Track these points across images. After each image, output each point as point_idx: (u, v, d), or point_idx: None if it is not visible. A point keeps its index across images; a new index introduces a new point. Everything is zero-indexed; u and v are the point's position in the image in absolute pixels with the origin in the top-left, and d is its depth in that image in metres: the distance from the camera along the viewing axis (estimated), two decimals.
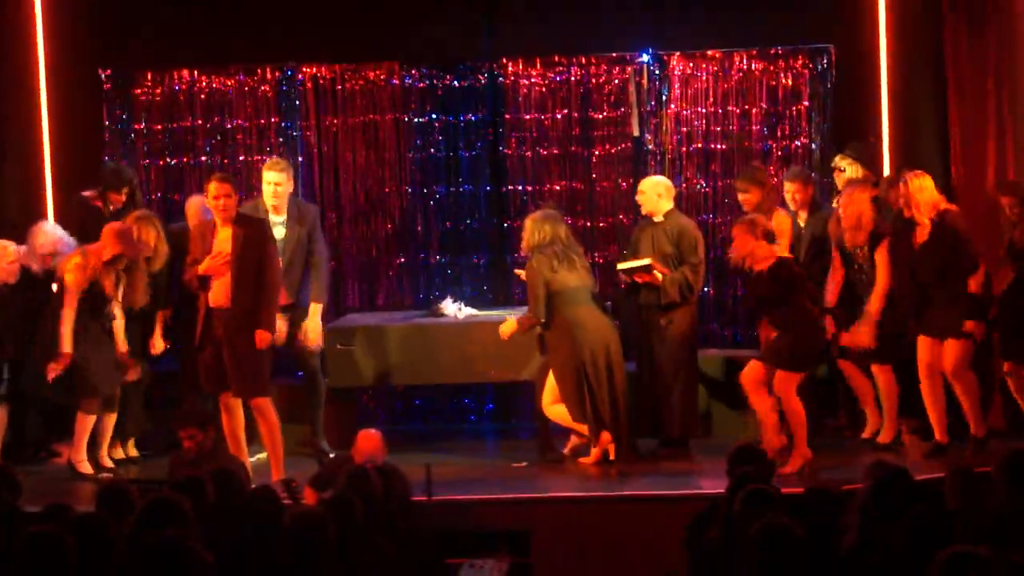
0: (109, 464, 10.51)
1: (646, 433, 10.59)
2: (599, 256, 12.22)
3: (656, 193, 10.58)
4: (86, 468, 10.33)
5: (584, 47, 12.16)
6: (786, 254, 10.03)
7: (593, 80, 12.26)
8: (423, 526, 8.15)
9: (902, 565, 6.10)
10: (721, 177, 12.09)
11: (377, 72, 12.30)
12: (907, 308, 10.05)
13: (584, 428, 10.27)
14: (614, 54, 12.17)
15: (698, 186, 12.15)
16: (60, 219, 11.21)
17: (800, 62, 12.03)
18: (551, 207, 10.81)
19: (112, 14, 11.94)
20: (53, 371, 10.07)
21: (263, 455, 10.11)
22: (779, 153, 11.93)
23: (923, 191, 9.89)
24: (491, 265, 12.36)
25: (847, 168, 10.78)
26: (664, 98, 12.11)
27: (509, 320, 10.44)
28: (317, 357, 10.77)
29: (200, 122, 12.30)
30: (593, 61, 12.23)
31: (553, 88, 12.27)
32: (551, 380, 10.34)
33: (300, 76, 12.27)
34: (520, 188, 12.29)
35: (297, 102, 12.27)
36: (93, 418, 10.33)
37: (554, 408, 10.37)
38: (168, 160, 12.26)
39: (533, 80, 12.27)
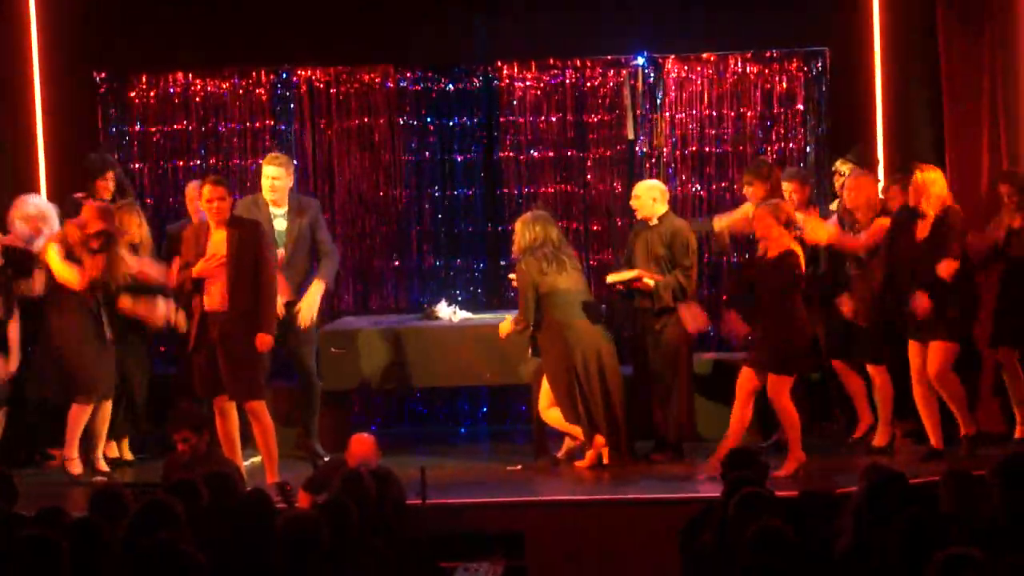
0: (104, 468, 10.48)
1: (641, 436, 10.59)
2: (594, 259, 12.23)
3: (651, 197, 10.58)
4: (76, 468, 10.28)
5: (579, 50, 12.16)
6: (797, 247, 9.97)
7: (588, 83, 12.26)
8: (417, 529, 8.15)
9: (897, 568, 6.09)
10: (716, 180, 12.09)
11: (372, 75, 12.30)
12: (904, 306, 10.05)
13: (579, 431, 10.27)
14: (609, 57, 12.17)
15: (692, 189, 12.15)
16: None
17: (795, 65, 12.04)
18: (542, 208, 10.81)
19: (107, 16, 11.93)
20: None
21: (257, 458, 10.10)
22: (774, 156, 11.91)
23: (934, 184, 9.90)
24: (486, 269, 12.36)
25: (847, 172, 10.80)
26: (659, 101, 12.12)
27: (508, 319, 10.46)
28: (313, 360, 10.75)
29: (195, 125, 12.30)
30: (588, 64, 12.23)
31: (548, 91, 12.27)
32: (546, 384, 10.34)
33: (295, 79, 12.27)
34: (515, 191, 12.28)
35: (292, 105, 12.28)
36: (87, 413, 10.26)
37: (551, 412, 10.37)
38: (162, 163, 12.25)
39: (528, 83, 12.27)
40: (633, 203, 10.66)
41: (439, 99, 12.32)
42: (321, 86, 12.31)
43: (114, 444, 10.79)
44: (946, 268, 9.76)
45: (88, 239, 10.17)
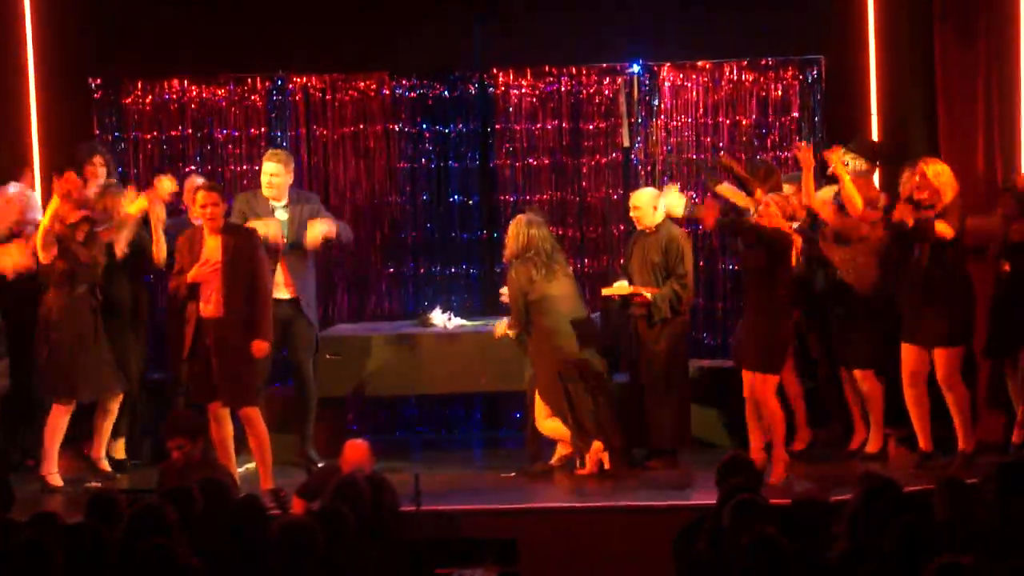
0: (107, 468, 10.44)
1: (636, 444, 10.60)
2: (589, 266, 12.23)
3: (652, 206, 10.60)
4: (57, 480, 10.18)
5: (574, 57, 12.17)
6: (797, 237, 9.99)
7: (583, 91, 12.26)
8: (412, 536, 8.14)
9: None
10: (710, 187, 12.07)
11: (367, 82, 12.30)
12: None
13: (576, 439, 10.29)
14: (604, 65, 12.18)
15: (687, 197, 12.13)
16: None
17: (790, 73, 12.05)
18: (535, 211, 10.80)
19: (102, 23, 11.93)
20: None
21: (252, 465, 10.10)
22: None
23: (940, 175, 9.91)
24: (481, 275, 12.36)
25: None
26: (654, 108, 12.12)
27: (504, 320, 10.49)
28: (311, 368, 10.72)
29: (190, 131, 12.29)
30: (583, 72, 12.24)
31: (543, 98, 12.28)
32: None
33: (290, 86, 12.27)
34: (510, 198, 12.28)
35: (287, 112, 12.27)
36: (65, 420, 10.19)
37: (547, 423, 10.37)
38: (157, 169, 12.22)
39: (523, 90, 12.27)
40: (633, 214, 10.66)
41: (434, 106, 12.32)
42: (317, 93, 12.31)
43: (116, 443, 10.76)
44: (942, 226, 9.76)
45: (72, 230, 10.14)
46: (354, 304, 12.46)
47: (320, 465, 10.29)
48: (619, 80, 12.12)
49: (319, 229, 10.54)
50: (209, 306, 9.74)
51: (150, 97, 12.27)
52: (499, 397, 11.82)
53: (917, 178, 9.93)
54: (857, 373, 10.41)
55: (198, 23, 11.95)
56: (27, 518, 7.04)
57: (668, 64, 12.11)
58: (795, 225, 9.95)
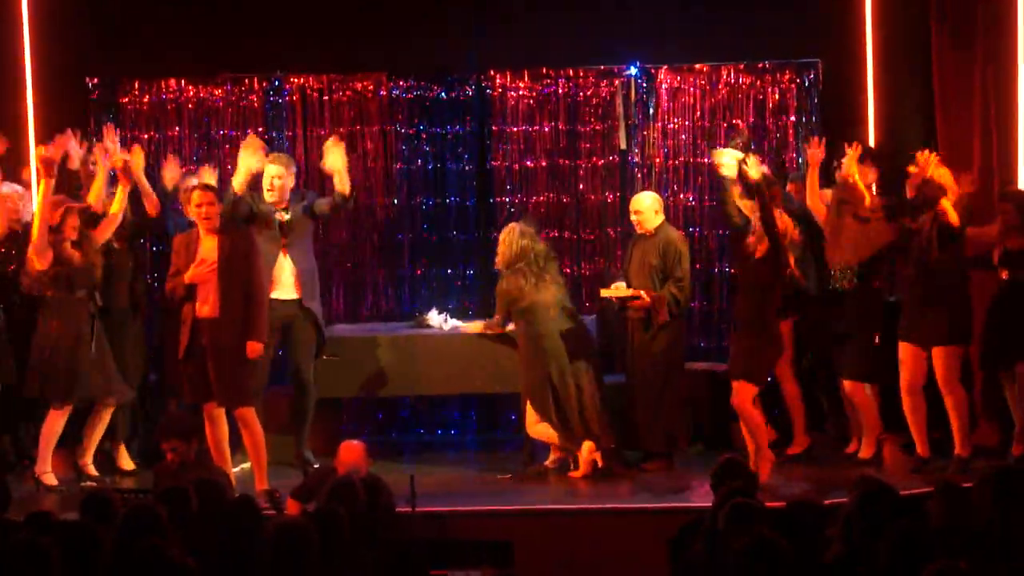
0: (94, 473, 10.43)
1: (632, 446, 10.60)
2: (586, 269, 12.23)
3: (654, 210, 10.61)
4: (51, 480, 10.17)
5: (572, 60, 12.17)
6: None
7: (581, 93, 12.26)
8: (407, 537, 8.13)
9: None
10: (708, 190, 12.09)
11: (365, 83, 12.30)
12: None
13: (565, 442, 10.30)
14: (602, 67, 12.18)
15: (684, 200, 12.15)
16: None
17: (787, 76, 12.06)
18: (528, 220, 10.80)
19: (99, 22, 11.92)
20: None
21: (247, 465, 10.09)
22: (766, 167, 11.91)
23: (943, 177, 9.93)
24: (477, 277, 12.35)
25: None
26: (651, 111, 12.12)
27: (478, 322, 10.73)
28: (311, 371, 10.70)
29: (187, 131, 12.29)
30: (581, 74, 12.24)
31: (540, 100, 12.28)
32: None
33: (287, 86, 12.27)
34: (507, 200, 12.28)
35: (284, 112, 12.27)
36: (61, 423, 10.17)
37: (537, 427, 10.39)
38: (154, 169, 12.21)
39: (521, 92, 12.27)
40: (634, 218, 10.66)
41: (432, 107, 12.32)
42: (314, 94, 12.30)
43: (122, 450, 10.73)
44: (947, 206, 9.78)
45: (60, 229, 10.14)
46: (350, 305, 12.45)
47: (315, 466, 10.28)
48: (616, 82, 12.12)
49: (338, 160, 10.55)
50: (206, 307, 9.73)
51: (147, 97, 12.27)
52: (495, 399, 11.82)
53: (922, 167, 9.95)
54: (847, 384, 10.42)
55: (196, 23, 11.95)
56: (23, 517, 7.04)
57: (665, 67, 12.12)
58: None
